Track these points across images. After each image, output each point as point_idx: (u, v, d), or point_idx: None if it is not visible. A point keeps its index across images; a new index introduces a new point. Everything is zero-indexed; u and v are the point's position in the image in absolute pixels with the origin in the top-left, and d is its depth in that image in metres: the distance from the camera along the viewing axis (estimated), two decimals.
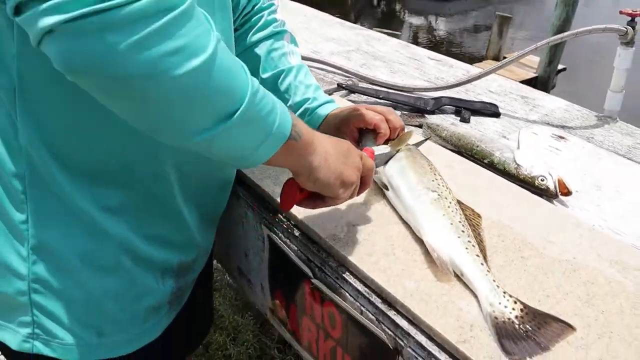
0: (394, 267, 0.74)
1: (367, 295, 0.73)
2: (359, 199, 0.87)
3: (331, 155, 0.69)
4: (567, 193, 0.95)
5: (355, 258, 0.76)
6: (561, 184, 0.95)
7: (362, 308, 0.74)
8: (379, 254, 0.77)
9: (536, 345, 0.63)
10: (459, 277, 0.73)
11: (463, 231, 0.76)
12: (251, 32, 0.97)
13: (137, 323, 0.80)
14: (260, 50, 0.97)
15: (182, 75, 0.48)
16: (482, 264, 0.72)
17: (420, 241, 0.79)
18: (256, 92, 0.56)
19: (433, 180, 0.84)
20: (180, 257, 0.84)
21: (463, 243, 0.74)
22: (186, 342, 1.04)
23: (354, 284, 0.75)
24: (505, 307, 0.66)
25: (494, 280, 0.69)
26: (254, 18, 0.98)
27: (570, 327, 0.65)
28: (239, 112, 0.54)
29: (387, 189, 0.87)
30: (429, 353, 0.65)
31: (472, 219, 0.80)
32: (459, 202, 0.83)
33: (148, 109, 0.51)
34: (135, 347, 0.80)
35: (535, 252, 0.78)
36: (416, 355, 0.67)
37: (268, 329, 1.98)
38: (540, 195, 0.94)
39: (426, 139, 1.03)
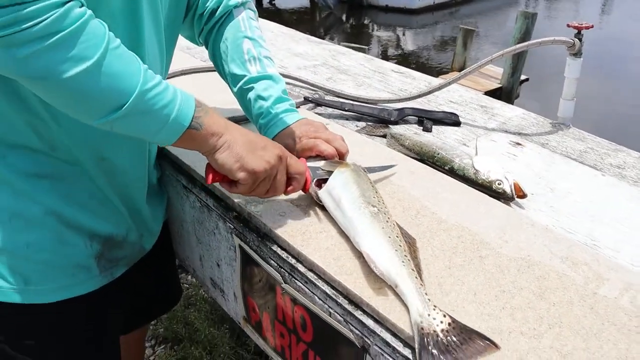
0: (359, 270, 0.78)
1: (335, 297, 0.76)
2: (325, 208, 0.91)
3: (237, 143, 0.80)
4: (523, 195, 1.01)
5: (323, 262, 0.79)
6: (517, 187, 1.00)
7: (331, 310, 0.77)
8: (345, 257, 0.80)
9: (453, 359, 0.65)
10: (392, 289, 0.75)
11: (400, 245, 0.78)
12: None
13: (64, 276, 0.89)
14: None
15: (70, 78, 0.64)
16: (416, 277, 0.74)
17: None
18: (148, 90, 0.70)
19: (374, 197, 0.87)
20: (110, 229, 0.94)
21: (400, 257, 0.76)
22: (134, 314, 1.19)
23: (322, 287, 0.78)
24: (434, 319, 0.68)
25: (425, 294, 0.71)
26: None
27: (494, 346, 0.66)
28: (126, 105, 0.69)
29: (321, 203, 0.91)
30: (394, 349, 0.69)
31: (408, 238, 0.82)
32: (397, 223, 0.84)
33: (56, 99, 0.69)
34: (64, 296, 0.89)
35: (493, 252, 0.83)
36: (382, 352, 0.71)
37: (244, 341, 1.99)
38: (498, 199, 0.99)
39: (392, 165, 1.04)
